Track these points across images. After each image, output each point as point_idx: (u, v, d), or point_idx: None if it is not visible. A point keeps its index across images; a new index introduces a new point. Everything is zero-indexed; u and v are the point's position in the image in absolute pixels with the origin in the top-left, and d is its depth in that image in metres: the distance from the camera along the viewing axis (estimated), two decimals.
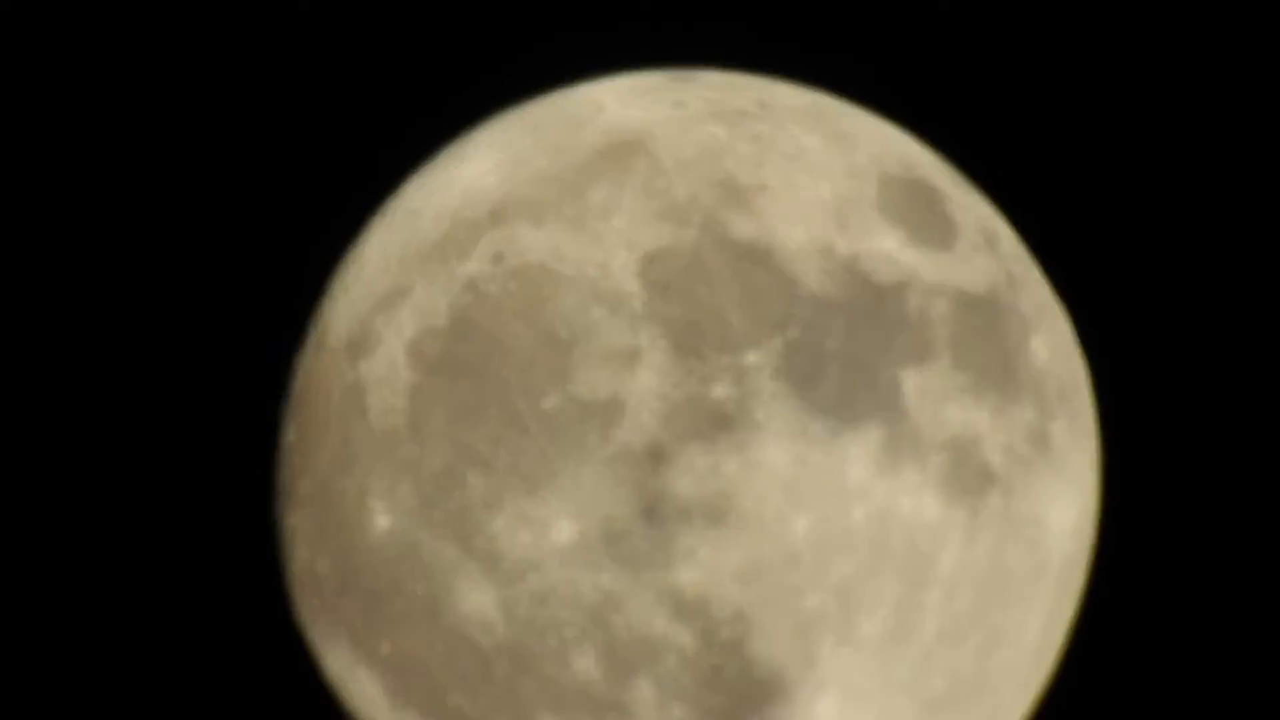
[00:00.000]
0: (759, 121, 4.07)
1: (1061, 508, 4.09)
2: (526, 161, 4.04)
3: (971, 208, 4.20)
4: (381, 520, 3.91)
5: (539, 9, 5.26)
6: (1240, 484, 5.32)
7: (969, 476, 3.86)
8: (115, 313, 5.23)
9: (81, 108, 5.20)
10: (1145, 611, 5.29)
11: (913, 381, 3.82)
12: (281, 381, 4.41)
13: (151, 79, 5.24)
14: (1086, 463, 4.24)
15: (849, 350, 3.79)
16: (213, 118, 5.31)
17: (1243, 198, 5.35)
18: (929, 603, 3.85)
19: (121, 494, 5.16)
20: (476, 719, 3.90)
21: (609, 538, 3.72)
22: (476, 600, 3.81)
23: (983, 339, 3.96)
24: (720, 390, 3.72)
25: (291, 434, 4.25)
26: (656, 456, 3.70)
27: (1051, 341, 4.18)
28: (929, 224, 4.02)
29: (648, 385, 3.73)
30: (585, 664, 3.79)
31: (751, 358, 3.74)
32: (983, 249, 4.09)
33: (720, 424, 3.71)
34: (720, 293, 3.77)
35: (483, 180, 4.06)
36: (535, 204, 3.93)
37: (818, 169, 3.99)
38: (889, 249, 3.91)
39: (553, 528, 3.74)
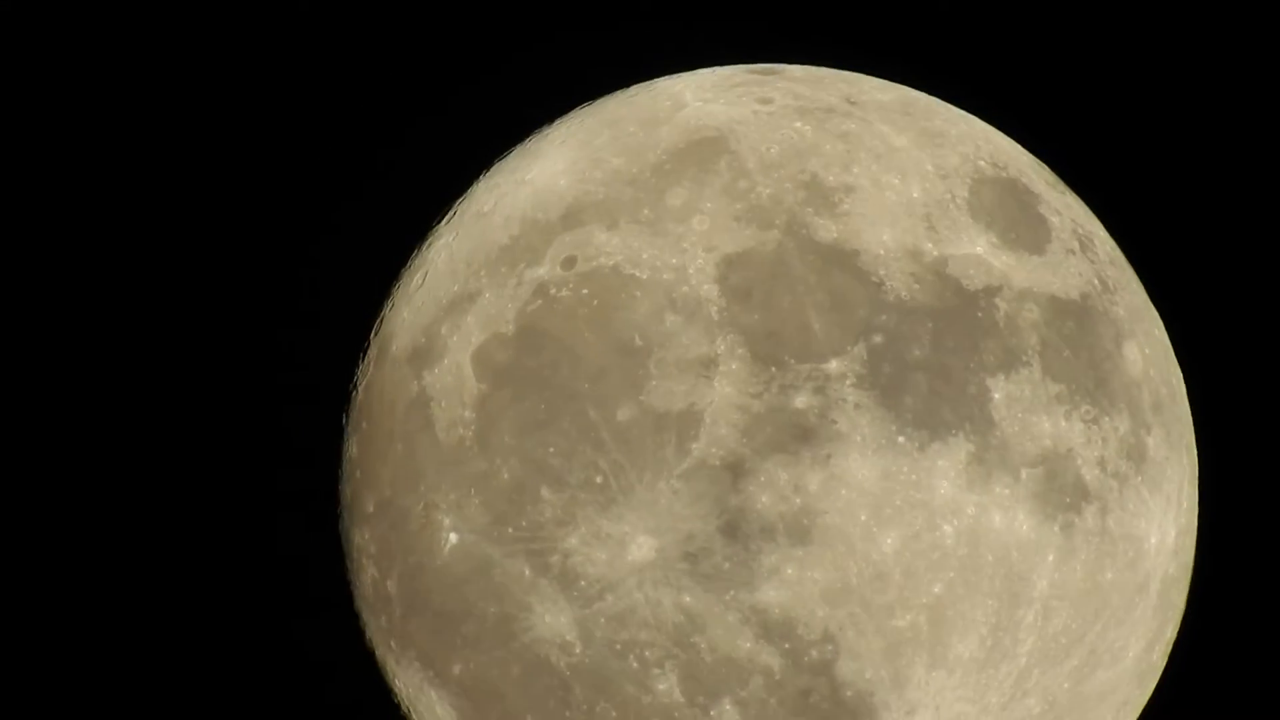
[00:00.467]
0: (847, 119, 3.99)
1: (1160, 525, 3.98)
2: (601, 161, 3.97)
3: (1066, 209, 4.10)
4: (450, 538, 3.83)
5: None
6: None
7: (1062, 491, 3.76)
8: (171, 323, 5.18)
9: (138, 117, 5.17)
10: (1250, 633, 5.15)
11: (1002, 391, 3.73)
12: (342, 393, 4.33)
13: (216, 82, 5.20)
14: (1185, 477, 4.14)
15: (936, 358, 3.69)
16: (272, 116, 5.26)
17: None
18: (1024, 623, 3.74)
19: (180, 510, 5.10)
20: None
21: (689, 556, 3.62)
22: (552, 621, 3.72)
23: (1074, 346, 3.86)
24: (801, 400, 3.62)
25: (354, 448, 4.18)
26: (736, 470, 3.60)
27: (1147, 348, 4.08)
28: (1021, 226, 3.94)
29: (725, 396, 3.63)
30: (667, 687, 3.69)
31: (834, 366, 3.64)
32: (1076, 252, 4.01)
33: (802, 436, 3.61)
34: (802, 298, 3.69)
35: (555, 181, 3.98)
36: (610, 206, 3.85)
37: (907, 169, 3.90)
38: (979, 252, 3.83)
39: (630, 545, 3.65)
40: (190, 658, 5.10)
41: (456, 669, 3.89)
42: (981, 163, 4.02)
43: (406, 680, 4.10)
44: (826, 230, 3.75)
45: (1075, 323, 3.89)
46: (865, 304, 3.70)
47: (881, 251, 3.75)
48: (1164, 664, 4.24)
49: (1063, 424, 3.78)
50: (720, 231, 3.75)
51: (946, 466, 3.65)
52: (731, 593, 3.62)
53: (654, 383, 3.66)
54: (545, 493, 3.69)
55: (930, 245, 3.79)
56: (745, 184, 3.81)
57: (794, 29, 4.87)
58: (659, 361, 3.67)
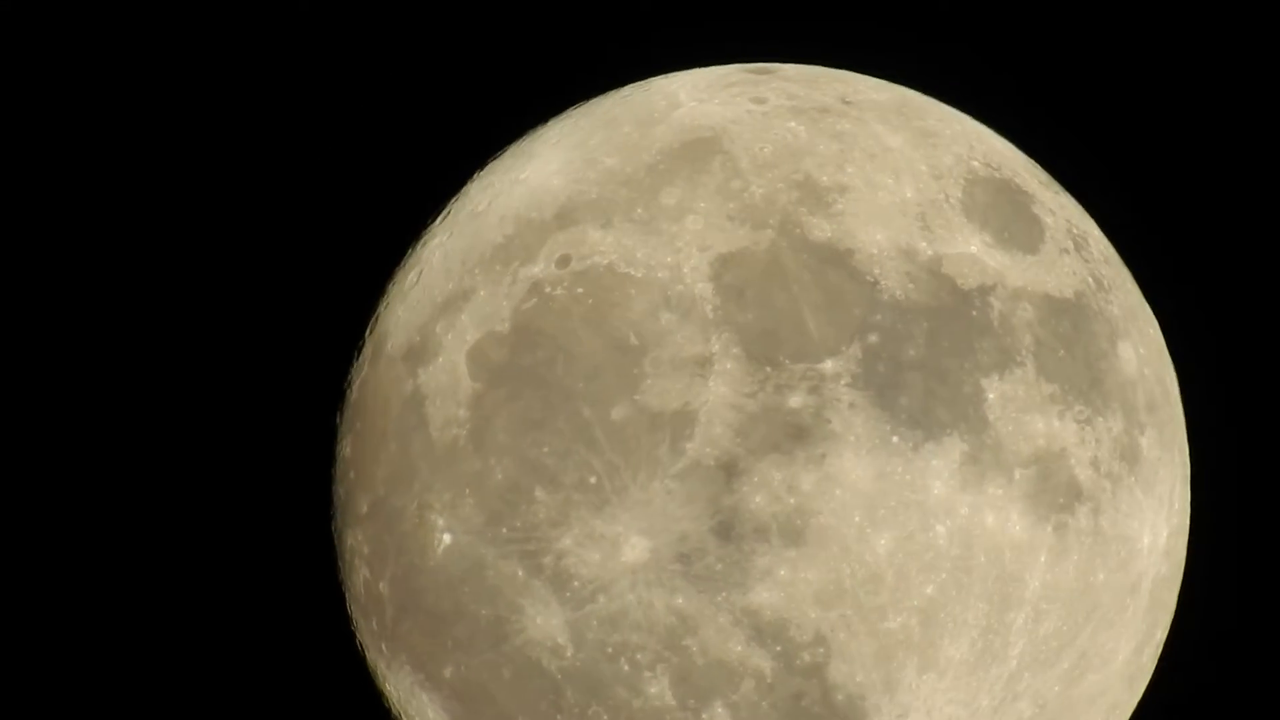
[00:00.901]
0: (841, 119, 3.97)
1: (1152, 525, 3.98)
2: (595, 160, 3.95)
3: (1060, 208, 4.09)
4: (444, 538, 3.82)
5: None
6: None
7: (1055, 492, 3.75)
8: (164, 321, 5.17)
9: (135, 116, 5.16)
10: (1242, 634, 5.16)
11: (996, 391, 3.71)
12: (336, 392, 4.32)
13: (208, 82, 5.20)
14: (1178, 477, 4.13)
15: (931, 358, 3.68)
16: (267, 115, 5.25)
17: None
18: (1015, 625, 3.74)
19: (173, 510, 5.10)
20: None
21: (682, 557, 3.61)
22: (544, 624, 3.71)
23: (1069, 346, 3.85)
24: (796, 400, 3.61)
25: (347, 447, 4.16)
26: (730, 470, 3.59)
27: (1141, 348, 4.07)
28: (1015, 226, 3.92)
29: (720, 395, 3.62)
30: (658, 690, 3.68)
31: (829, 366, 3.63)
32: (1070, 252, 3.99)
33: (796, 436, 3.59)
34: (797, 297, 3.67)
35: (549, 180, 3.96)
36: (604, 205, 3.83)
37: (901, 169, 3.88)
38: (973, 252, 3.81)
39: (623, 546, 3.63)
40: (181, 659, 5.10)
41: (448, 672, 3.88)
42: (975, 162, 4.01)
43: (398, 683, 4.08)
44: (820, 230, 3.74)
45: (1069, 322, 3.88)
46: (860, 303, 3.68)
47: (876, 251, 3.74)
48: (1154, 666, 4.23)
49: (1056, 424, 3.78)
50: (714, 231, 3.74)
51: (940, 467, 3.64)
52: (724, 594, 3.60)
53: (649, 381, 3.64)
54: (539, 493, 3.68)
55: (925, 245, 3.78)
56: (739, 184, 3.79)
57: (789, 28, 4.85)
58: (654, 360, 3.66)
